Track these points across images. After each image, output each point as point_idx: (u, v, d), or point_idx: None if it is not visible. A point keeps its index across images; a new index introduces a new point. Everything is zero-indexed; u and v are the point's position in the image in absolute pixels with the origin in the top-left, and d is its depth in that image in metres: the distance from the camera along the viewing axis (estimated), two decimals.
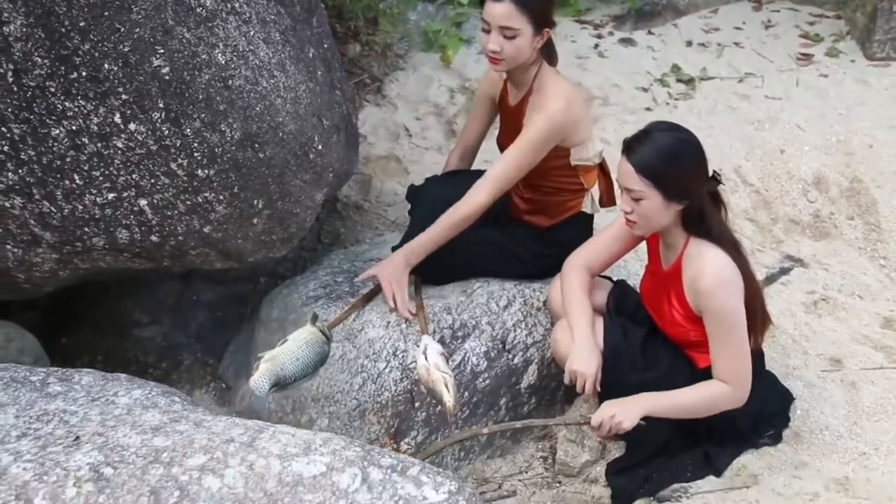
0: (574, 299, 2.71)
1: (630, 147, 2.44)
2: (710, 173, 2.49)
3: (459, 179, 3.10)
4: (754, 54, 5.32)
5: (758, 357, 2.72)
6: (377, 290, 2.93)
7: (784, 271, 3.72)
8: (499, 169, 2.84)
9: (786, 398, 2.91)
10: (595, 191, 3.03)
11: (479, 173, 2.93)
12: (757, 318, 2.58)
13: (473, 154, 3.26)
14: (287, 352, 2.48)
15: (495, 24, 2.71)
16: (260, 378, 2.41)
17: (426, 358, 2.51)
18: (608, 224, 2.83)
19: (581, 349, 2.61)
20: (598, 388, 2.61)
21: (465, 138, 3.25)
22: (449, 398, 2.43)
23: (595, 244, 2.81)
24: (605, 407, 2.55)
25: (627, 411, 2.53)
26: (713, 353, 2.54)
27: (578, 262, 2.78)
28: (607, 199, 3.06)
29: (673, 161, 2.41)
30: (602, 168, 3.01)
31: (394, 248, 3.03)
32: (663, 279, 2.62)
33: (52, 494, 1.76)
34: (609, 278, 2.95)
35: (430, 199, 3.05)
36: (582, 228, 3.03)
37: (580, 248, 2.83)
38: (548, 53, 2.87)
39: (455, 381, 2.51)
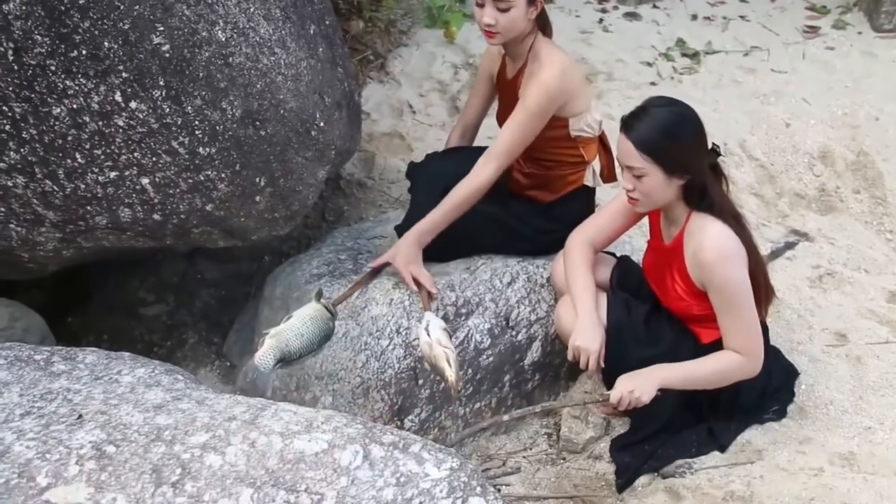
0: (577, 275, 2.71)
1: (628, 124, 2.42)
2: (710, 146, 2.48)
3: (459, 155, 3.09)
4: (760, 27, 5.29)
5: (762, 331, 2.71)
6: (381, 268, 2.92)
7: (789, 246, 3.71)
8: (500, 143, 2.83)
9: (790, 373, 2.91)
10: (596, 164, 3.01)
11: (481, 150, 2.91)
12: (761, 291, 2.57)
13: (474, 132, 3.26)
14: (292, 328, 2.47)
15: None
16: (264, 354, 2.41)
17: (428, 334, 2.51)
18: (611, 199, 2.82)
19: (584, 325, 2.61)
20: (602, 364, 2.61)
21: (466, 116, 3.24)
22: (451, 373, 2.43)
23: (598, 220, 2.80)
24: (623, 382, 2.55)
25: (645, 385, 2.53)
26: (722, 326, 2.54)
27: (581, 238, 2.77)
28: (608, 175, 3.05)
29: (672, 135, 2.40)
30: (603, 143, 3.00)
31: (396, 227, 3.03)
32: (665, 254, 2.61)
33: (55, 472, 1.77)
34: (612, 254, 2.94)
35: (429, 175, 3.06)
36: (584, 202, 3.03)
37: (583, 224, 2.82)
38: (542, 24, 2.86)
39: (458, 357, 2.51)
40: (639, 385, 2.52)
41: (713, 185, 2.49)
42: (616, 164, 2.80)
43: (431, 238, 2.86)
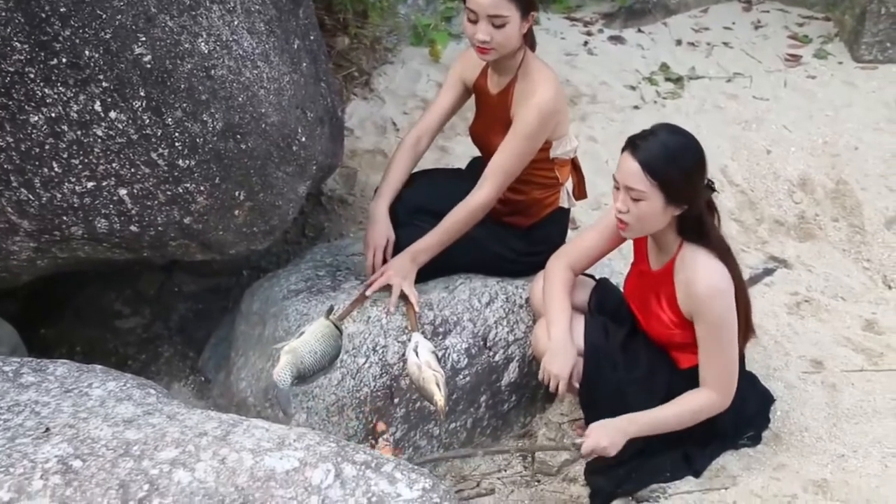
0: (554, 298, 2.70)
1: (636, 145, 2.40)
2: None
3: (423, 182, 3.05)
4: (743, 54, 5.33)
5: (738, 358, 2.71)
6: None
7: (768, 272, 3.72)
8: (495, 166, 2.80)
9: (766, 399, 2.91)
10: (569, 184, 3.01)
11: (451, 171, 2.86)
12: (741, 325, 2.57)
13: (432, 137, 3.06)
14: (305, 344, 2.45)
15: (483, 14, 2.65)
16: (282, 370, 2.37)
17: (417, 355, 2.49)
18: (593, 223, 2.82)
19: (556, 350, 2.60)
20: (577, 385, 2.61)
21: (428, 121, 3.04)
22: (440, 397, 2.43)
23: (579, 243, 2.80)
24: (594, 435, 2.52)
25: (616, 437, 2.51)
26: (702, 358, 2.54)
27: (562, 261, 2.77)
28: (580, 193, 3.07)
29: (679, 163, 2.38)
30: (573, 162, 3.00)
31: None
32: (652, 280, 2.60)
33: (18, 486, 1.73)
34: (592, 276, 2.94)
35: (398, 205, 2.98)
36: (561, 224, 3.03)
37: (564, 247, 2.82)
38: (529, 38, 2.83)
39: (445, 380, 2.50)
40: (611, 442, 2.51)
41: (708, 218, 2.49)
42: (586, 182, 2.79)
43: (426, 259, 2.84)
